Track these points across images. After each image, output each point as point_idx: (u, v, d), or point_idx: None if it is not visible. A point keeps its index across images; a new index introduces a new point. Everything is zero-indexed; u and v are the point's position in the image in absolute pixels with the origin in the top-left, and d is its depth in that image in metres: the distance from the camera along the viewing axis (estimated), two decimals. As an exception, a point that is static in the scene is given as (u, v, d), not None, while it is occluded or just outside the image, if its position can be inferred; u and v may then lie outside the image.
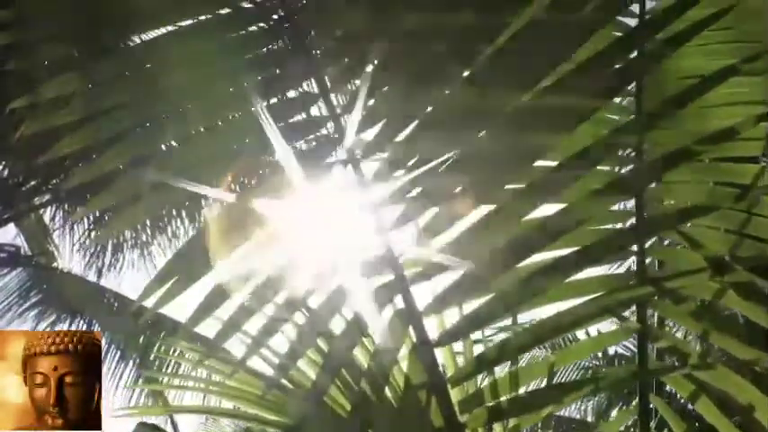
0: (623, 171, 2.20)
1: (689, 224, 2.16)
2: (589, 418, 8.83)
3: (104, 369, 9.01)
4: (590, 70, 1.82)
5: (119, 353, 9.10)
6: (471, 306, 1.95)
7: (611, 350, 7.58)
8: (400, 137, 1.90)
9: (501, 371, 2.15)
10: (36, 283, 9.15)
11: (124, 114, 1.98)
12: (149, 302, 2.00)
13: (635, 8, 2.16)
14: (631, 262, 2.21)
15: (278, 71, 2.01)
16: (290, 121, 2.00)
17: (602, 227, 2.14)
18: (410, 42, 1.82)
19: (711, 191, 2.20)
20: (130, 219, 2.35)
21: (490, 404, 2.04)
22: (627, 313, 2.12)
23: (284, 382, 2.31)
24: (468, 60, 1.82)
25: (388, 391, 2.15)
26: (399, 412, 2.12)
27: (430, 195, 1.93)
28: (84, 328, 9.17)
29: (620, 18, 2.17)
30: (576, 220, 1.96)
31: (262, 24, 2.01)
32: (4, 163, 8.48)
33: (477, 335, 2.22)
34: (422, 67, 1.83)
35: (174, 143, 2.04)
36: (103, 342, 9.09)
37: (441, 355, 2.19)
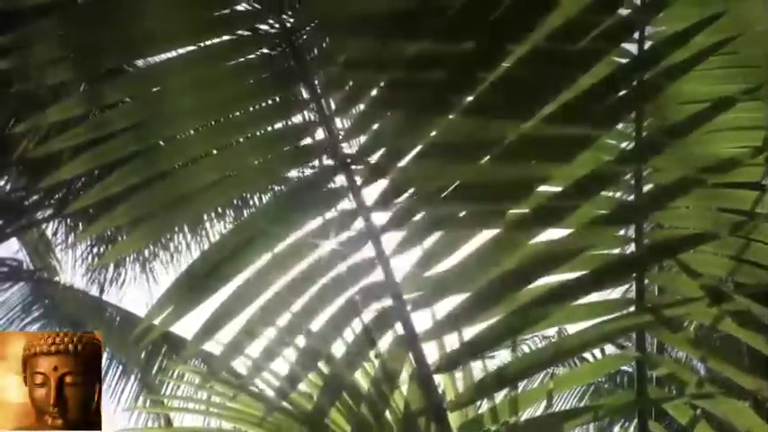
0: (624, 198, 2.21)
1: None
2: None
3: (105, 385, 9.01)
4: (590, 99, 1.83)
5: (120, 368, 9.10)
6: (472, 331, 1.96)
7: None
8: (402, 163, 1.91)
9: (500, 395, 2.15)
10: (38, 298, 9.17)
11: (127, 139, 1.99)
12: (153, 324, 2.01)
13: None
14: (631, 286, 2.20)
15: (281, 97, 2.02)
16: (293, 146, 2.01)
17: (603, 252, 2.14)
18: (411, 70, 1.83)
19: (712, 217, 2.21)
20: (134, 242, 2.36)
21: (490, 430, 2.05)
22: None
23: (285, 404, 2.31)
24: (469, 89, 1.83)
25: (388, 415, 2.15)
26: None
27: (432, 221, 1.94)
28: (86, 342, 9.16)
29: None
30: (577, 247, 1.97)
31: (265, 51, 2.02)
32: (6, 177, 8.50)
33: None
34: (423, 94, 1.84)
35: (177, 167, 2.05)
36: (105, 358, 9.09)
37: (441, 379, 2.19)
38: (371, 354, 2.07)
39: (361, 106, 1.94)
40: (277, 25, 2.00)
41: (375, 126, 1.92)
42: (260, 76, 2.02)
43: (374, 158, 1.93)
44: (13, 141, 6.79)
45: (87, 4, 2.05)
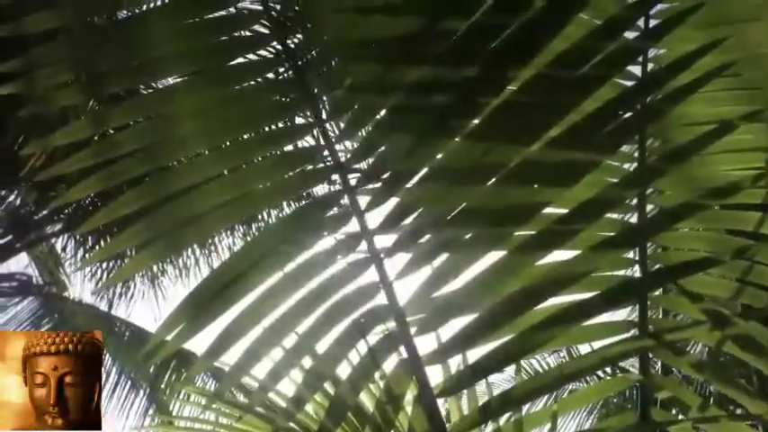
0: (628, 220, 2.22)
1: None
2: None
3: (114, 401, 9.03)
4: (594, 122, 1.84)
5: (129, 383, 9.12)
6: (476, 354, 1.97)
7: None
8: (407, 186, 1.92)
9: (504, 418, 2.16)
10: (47, 312, 9.20)
11: (135, 162, 2.01)
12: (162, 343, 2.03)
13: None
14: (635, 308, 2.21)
15: (287, 121, 2.04)
16: (300, 169, 2.03)
17: (608, 274, 2.15)
18: (415, 95, 1.84)
19: (717, 238, 2.22)
20: (141, 263, 2.37)
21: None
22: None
23: (291, 425, 2.32)
24: (472, 113, 1.84)
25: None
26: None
27: (437, 244, 1.95)
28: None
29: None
30: (582, 269, 1.97)
31: (270, 75, 2.04)
32: (16, 192, 8.54)
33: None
34: (427, 119, 1.85)
35: (185, 189, 2.06)
36: (114, 372, 9.11)
37: (446, 401, 2.20)
38: (377, 376, 2.08)
39: (366, 130, 1.95)
40: (283, 49, 2.02)
41: (380, 150, 1.94)
42: (267, 99, 2.04)
43: (378, 182, 1.94)
44: (22, 157, 6.82)
45: (94, 29, 2.07)
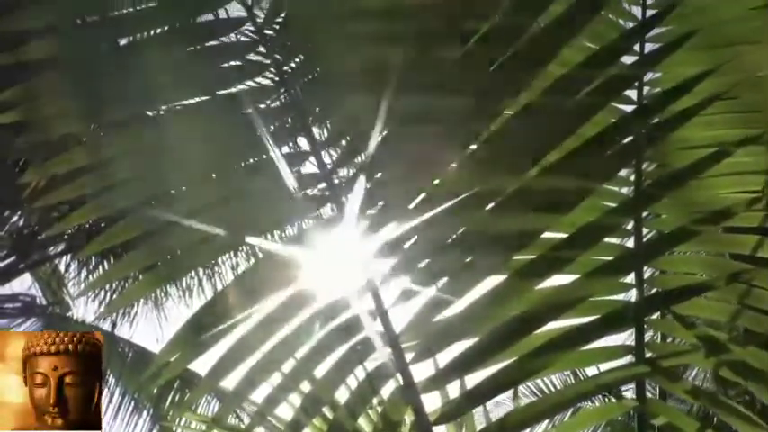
0: (625, 245, 2.22)
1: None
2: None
3: (118, 421, 9.03)
4: (590, 148, 1.84)
5: (132, 403, 9.12)
6: (474, 380, 1.97)
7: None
8: (402, 213, 1.93)
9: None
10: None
11: (134, 189, 2.01)
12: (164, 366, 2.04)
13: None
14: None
15: (281, 151, 2.04)
16: (291, 198, 2.03)
17: (605, 298, 2.15)
18: (409, 124, 1.85)
19: (714, 262, 2.22)
20: (140, 291, 2.38)
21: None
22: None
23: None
24: (468, 141, 1.85)
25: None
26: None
27: (435, 269, 1.95)
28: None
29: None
30: (580, 294, 1.97)
31: (266, 104, 2.05)
32: (19, 213, 8.55)
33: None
34: (422, 147, 1.86)
35: (181, 217, 2.07)
36: (117, 393, 9.11)
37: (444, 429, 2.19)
38: (375, 401, 2.08)
39: (360, 158, 1.96)
40: (278, 79, 2.03)
41: (376, 177, 1.94)
42: (261, 127, 2.05)
43: (374, 209, 1.95)
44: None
45: (92, 58, 2.07)
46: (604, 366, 2.12)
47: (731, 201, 2.19)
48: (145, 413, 9.22)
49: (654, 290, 2.23)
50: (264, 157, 2.05)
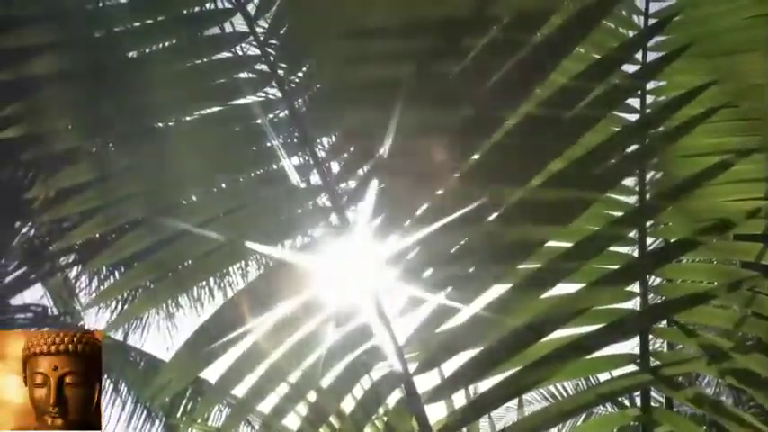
0: (629, 254, 2.22)
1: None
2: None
3: (131, 429, 9.05)
4: (593, 158, 1.85)
5: (145, 412, 9.14)
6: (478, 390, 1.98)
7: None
8: (406, 225, 1.94)
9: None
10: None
11: (141, 201, 2.03)
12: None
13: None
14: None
15: (282, 163, 2.06)
16: (295, 211, 2.04)
17: (610, 307, 2.15)
18: (411, 136, 1.85)
19: (719, 269, 2.22)
20: (151, 301, 2.40)
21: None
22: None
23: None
24: (470, 151, 1.86)
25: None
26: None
27: (438, 279, 1.96)
28: (112, 387, 9.23)
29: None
30: (585, 303, 1.98)
31: (268, 118, 2.06)
32: (30, 224, 8.59)
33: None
34: (425, 159, 1.87)
35: (187, 230, 2.08)
36: (130, 402, 9.14)
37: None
38: (380, 411, 2.09)
39: (362, 171, 1.97)
40: (280, 94, 2.05)
41: (378, 189, 1.95)
42: (261, 142, 2.06)
43: (379, 220, 1.95)
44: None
45: (95, 73, 2.09)
46: (610, 375, 2.13)
47: (734, 209, 2.19)
48: (157, 422, 9.25)
49: (658, 298, 2.23)
50: (269, 169, 2.07)
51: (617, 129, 1.98)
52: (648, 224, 2.26)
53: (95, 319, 9.87)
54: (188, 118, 2.09)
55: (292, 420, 2.21)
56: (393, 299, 2.00)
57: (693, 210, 2.20)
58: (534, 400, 9.60)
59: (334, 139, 2.07)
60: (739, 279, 2.11)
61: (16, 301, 8.92)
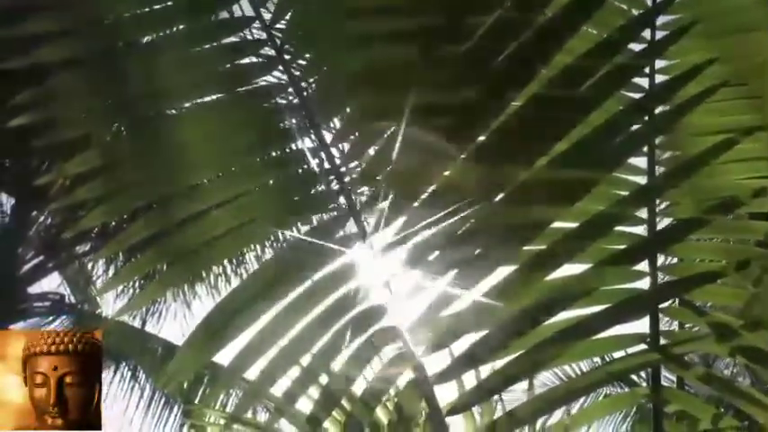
0: (638, 233, 2.21)
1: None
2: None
3: (149, 416, 9.09)
4: (600, 137, 1.84)
5: (163, 399, 9.17)
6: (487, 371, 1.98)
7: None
8: (413, 206, 1.94)
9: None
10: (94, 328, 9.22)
11: (145, 190, 2.04)
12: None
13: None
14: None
15: (289, 148, 2.06)
16: (302, 195, 2.05)
17: (618, 287, 2.14)
18: (416, 119, 1.85)
19: (728, 248, 2.22)
20: (163, 287, 2.41)
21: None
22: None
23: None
24: (476, 133, 1.86)
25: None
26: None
27: (446, 261, 1.96)
28: (130, 374, 9.27)
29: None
30: (593, 283, 1.98)
31: (274, 102, 2.07)
32: (47, 212, 8.62)
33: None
34: (429, 142, 1.87)
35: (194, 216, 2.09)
36: (148, 388, 9.18)
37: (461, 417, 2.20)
38: (391, 392, 2.09)
39: (369, 154, 1.97)
40: (285, 77, 2.05)
41: (384, 172, 1.95)
42: (271, 125, 2.07)
43: (384, 205, 1.96)
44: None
45: (106, 60, 2.10)
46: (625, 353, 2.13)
47: (742, 188, 2.18)
48: (176, 408, 9.28)
49: (668, 277, 2.22)
50: (278, 152, 2.08)
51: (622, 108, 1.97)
52: (663, 205, 2.25)
53: (113, 307, 9.87)
54: (197, 101, 2.10)
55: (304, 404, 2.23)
56: (401, 281, 2.00)
57: (704, 189, 2.19)
58: (550, 383, 9.61)
59: (340, 122, 2.07)
60: (749, 257, 2.10)
61: (34, 289, 8.97)
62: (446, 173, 1.93)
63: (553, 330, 1.95)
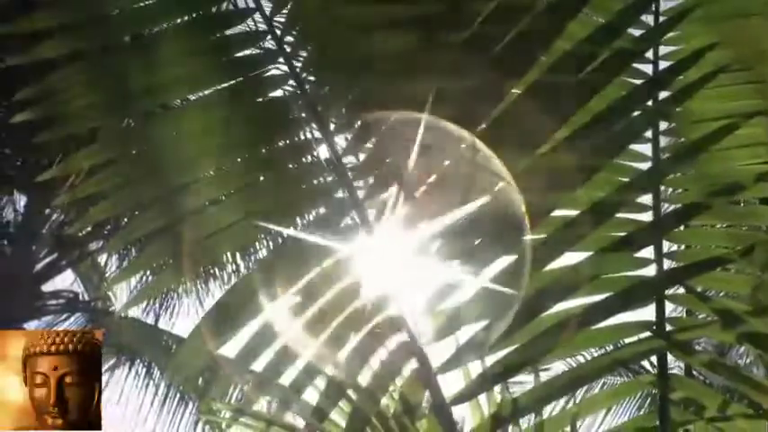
0: (642, 220, 2.21)
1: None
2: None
3: (164, 412, 9.11)
4: (601, 123, 1.84)
5: (178, 395, 9.19)
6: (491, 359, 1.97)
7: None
8: (415, 196, 1.93)
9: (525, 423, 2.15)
10: (95, 328, 9.26)
11: (147, 184, 2.04)
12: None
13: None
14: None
15: (291, 139, 2.06)
16: (305, 186, 2.05)
17: (623, 274, 2.13)
18: (418, 107, 1.85)
19: (733, 234, 2.20)
20: (169, 279, 2.41)
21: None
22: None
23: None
24: (476, 120, 1.85)
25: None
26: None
27: (448, 250, 1.96)
28: (144, 371, 9.29)
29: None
30: (596, 270, 1.98)
31: (275, 94, 2.07)
32: (56, 208, 8.65)
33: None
34: (431, 130, 1.86)
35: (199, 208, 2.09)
36: (163, 386, 9.20)
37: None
38: (397, 382, 2.09)
39: (370, 144, 1.97)
40: (287, 69, 2.05)
41: (386, 161, 1.95)
42: (274, 117, 2.07)
43: (387, 194, 1.96)
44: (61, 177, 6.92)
45: (108, 53, 2.11)
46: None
47: (745, 173, 2.17)
48: (190, 405, 9.30)
49: (673, 264, 2.21)
50: (282, 144, 2.08)
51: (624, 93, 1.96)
52: (669, 191, 2.25)
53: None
54: (200, 94, 2.10)
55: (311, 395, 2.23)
56: (406, 272, 2.00)
57: (707, 175, 2.18)
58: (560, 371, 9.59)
59: (341, 112, 2.07)
60: (754, 243, 2.09)
61: (47, 287, 9.00)
62: (449, 162, 1.93)
63: (559, 318, 1.95)
